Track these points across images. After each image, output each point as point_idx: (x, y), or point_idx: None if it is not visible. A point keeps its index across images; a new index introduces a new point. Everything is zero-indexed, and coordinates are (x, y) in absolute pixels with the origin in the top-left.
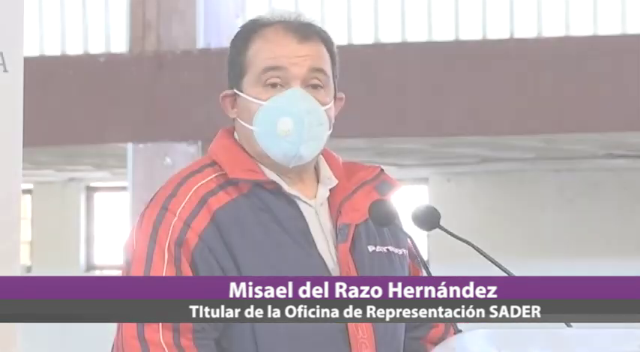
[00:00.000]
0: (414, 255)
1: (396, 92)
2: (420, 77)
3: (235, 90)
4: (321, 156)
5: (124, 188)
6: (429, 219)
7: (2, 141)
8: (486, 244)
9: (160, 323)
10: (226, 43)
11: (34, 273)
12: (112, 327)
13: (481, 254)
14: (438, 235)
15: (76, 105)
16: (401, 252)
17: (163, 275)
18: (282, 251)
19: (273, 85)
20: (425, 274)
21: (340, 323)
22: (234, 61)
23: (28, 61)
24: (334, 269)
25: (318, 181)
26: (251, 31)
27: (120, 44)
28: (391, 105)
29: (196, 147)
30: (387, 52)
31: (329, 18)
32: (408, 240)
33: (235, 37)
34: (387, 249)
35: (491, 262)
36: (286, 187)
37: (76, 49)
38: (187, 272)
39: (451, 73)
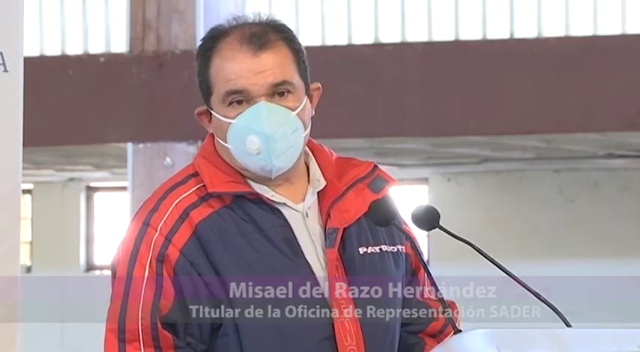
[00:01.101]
0: (417, 250)
1: (396, 92)
2: (420, 77)
3: (207, 108)
4: (311, 154)
5: (124, 188)
6: (429, 219)
7: (2, 141)
8: (486, 244)
9: (141, 341)
10: None
11: (34, 273)
12: None
13: (481, 254)
14: (438, 235)
15: (76, 105)
16: (395, 249)
17: (142, 292)
18: (267, 261)
19: (239, 102)
20: (424, 271)
21: (328, 331)
22: (200, 78)
23: (28, 61)
24: (321, 275)
25: (309, 182)
26: (209, 46)
27: (120, 44)
28: (391, 105)
29: (196, 147)
30: (387, 52)
31: (329, 18)
32: (407, 239)
33: (197, 52)
34: (380, 249)
35: (491, 262)
36: (269, 196)
37: (76, 49)
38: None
39: (451, 73)
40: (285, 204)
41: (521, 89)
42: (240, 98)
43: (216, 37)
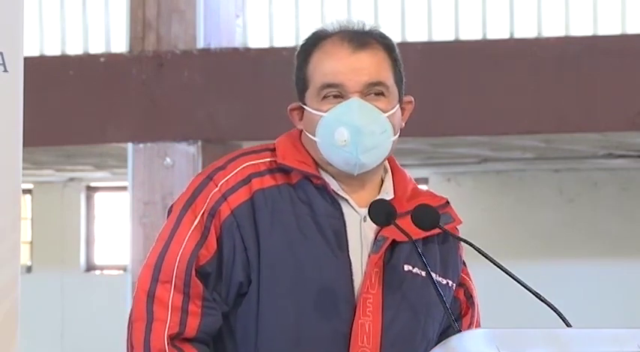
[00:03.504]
0: (470, 295)
1: None
2: (420, 77)
3: (300, 104)
4: (390, 172)
5: (124, 188)
6: (429, 219)
7: (2, 141)
8: (486, 244)
9: (173, 284)
10: (226, 43)
11: (34, 273)
12: (110, 330)
13: (481, 254)
14: None
15: (76, 105)
16: (445, 282)
17: (186, 238)
18: (308, 244)
19: (335, 96)
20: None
21: (346, 328)
22: (297, 75)
23: (28, 61)
24: (358, 277)
25: (379, 193)
26: (311, 44)
27: (120, 44)
28: None
29: (196, 147)
30: None
31: (329, 18)
32: (461, 285)
33: (299, 50)
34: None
35: (491, 262)
36: (334, 187)
37: (76, 49)
38: (212, 241)
39: (451, 73)
40: (347, 201)
41: (521, 89)
42: (334, 92)
43: (320, 36)
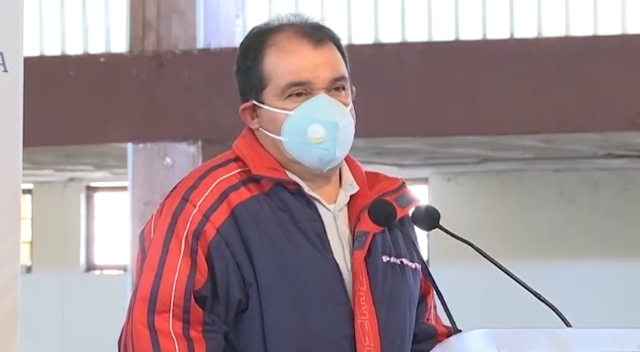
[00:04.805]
0: (427, 272)
1: (396, 92)
2: (420, 77)
3: (255, 102)
4: (344, 160)
5: (124, 188)
6: (429, 219)
7: (2, 141)
8: (486, 244)
9: (171, 313)
10: (226, 43)
11: (34, 273)
12: (110, 330)
13: (481, 254)
14: (438, 235)
15: (76, 105)
16: (414, 266)
17: (178, 265)
18: (298, 251)
19: (299, 94)
20: (436, 294)
21: (348, 330)
22: (249, 73)
23: (28, 61)
24: (347, 275)
25: (340, 186)
26: (261, 40)
27: (120, 44)
28: (391, 105)
29: (196, 147)
30: (387, 52)
31: (329, 18)
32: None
33: (245, 47)
34: (401, 262)
35: (491, 262)
36: (307, 189)
37: (76, 49)
38: (202, 264)
39: (451, 73)
40: (319, 201)
41: (521, 89)
42: (300, 90)
43: (267, 31)
